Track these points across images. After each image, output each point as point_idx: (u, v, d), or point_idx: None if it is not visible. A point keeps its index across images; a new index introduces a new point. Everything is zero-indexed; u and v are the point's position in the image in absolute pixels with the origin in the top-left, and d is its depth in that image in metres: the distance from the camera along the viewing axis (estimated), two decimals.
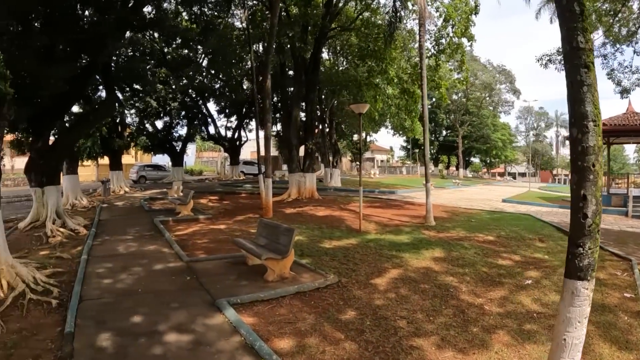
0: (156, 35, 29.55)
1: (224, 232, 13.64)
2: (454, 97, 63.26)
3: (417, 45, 28.15)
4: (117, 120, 28.73)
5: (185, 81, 34.54)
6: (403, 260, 10.12)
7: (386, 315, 6.68)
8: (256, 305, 7.00)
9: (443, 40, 20.78)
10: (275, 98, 31.87)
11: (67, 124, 18.46)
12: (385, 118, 36.68)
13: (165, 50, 33.75)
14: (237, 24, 30.64)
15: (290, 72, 28.80)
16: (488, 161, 78.65)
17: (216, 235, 13.11)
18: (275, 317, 6.53)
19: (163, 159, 47.89)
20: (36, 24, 13.16)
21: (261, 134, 23.20)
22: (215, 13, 26.86)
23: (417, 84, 23.12)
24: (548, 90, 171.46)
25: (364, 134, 49.23)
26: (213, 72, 37.61)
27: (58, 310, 6.84)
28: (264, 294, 7.37)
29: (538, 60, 26.80)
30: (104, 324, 6.19)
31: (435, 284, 8.24)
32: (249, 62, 31.59)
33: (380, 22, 23.91)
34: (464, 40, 20.95)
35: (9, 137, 15.60)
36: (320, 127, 33.49)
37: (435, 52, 21.52)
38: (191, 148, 65.00)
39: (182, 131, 39.81)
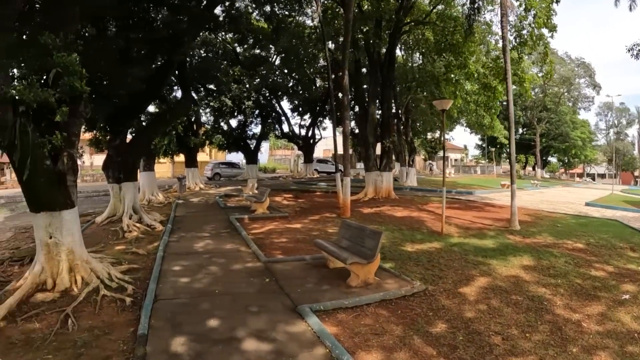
0: (229, 36, 29.86)
1: (301, 231, 13.32)
2: (531, 92, 60.12)
3: (494, 37, 26.90)
4: (193, 119, 29.48)
5: (258, 80, 34.79)
6: (490, 267, 9.46)
7: (479, 330, 6.09)
8: (339, 313, 6.52)
9: (524, 32, 19.35)
10: (349, 96, 31.40)
11: (143, 123, 18.85)
12: (462, 115, 35.35)
13: (238, 50, 34.11)
14: (309, 22, 30.51)
15: (363, 70, 28.23)
16: (566, 161, 74.01)
17: (293, 234, 12.79)
18: (360, 328, 6.03)
19: (237, 157, 48.77)
20: (111, 27, 13.42)
21: (338, 131, 22.86)
22: (287, 12, 26.78)
23: (498, 78, 21.86)
24: (629, 84, 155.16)
25: (438, 132, 47.87)
26: (286, 70, 37.83)
27: (132, 309, 6.67)
28: (348, 301, 6.86)
29: (629, 51, 24.61)
30: (179, 327, 5.91)
31: (527, 296, 7.58)
32: (322, 60, 31.39)
33: (456, 14, 22.92)
34: (545, 31, 19.45)
35: (87, 136, 16.07)
36: (396, 124, 32.66)
37: (516, 44, 20.13)
38: (264, 146, 66.02)
39: (256, 129, 40.29)
